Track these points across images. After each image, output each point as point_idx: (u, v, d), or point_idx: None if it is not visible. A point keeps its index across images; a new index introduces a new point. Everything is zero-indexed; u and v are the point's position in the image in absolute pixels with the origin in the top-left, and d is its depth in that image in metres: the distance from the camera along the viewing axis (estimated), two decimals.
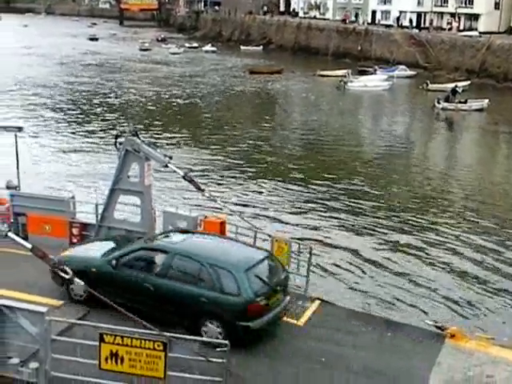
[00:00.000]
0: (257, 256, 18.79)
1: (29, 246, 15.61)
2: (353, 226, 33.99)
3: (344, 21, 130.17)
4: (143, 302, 17.45)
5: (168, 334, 14.82)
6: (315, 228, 33.15)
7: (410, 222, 34.79)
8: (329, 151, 52.09)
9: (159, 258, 18.62)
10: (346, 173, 44.55)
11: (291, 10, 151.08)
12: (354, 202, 37.94)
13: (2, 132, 28.19)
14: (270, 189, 40.15)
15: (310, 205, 37.20)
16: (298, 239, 25.93)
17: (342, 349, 18.01)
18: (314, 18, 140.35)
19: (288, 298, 18.98)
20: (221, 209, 25.52)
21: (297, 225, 33.49)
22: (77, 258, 19.33)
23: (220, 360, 14.70)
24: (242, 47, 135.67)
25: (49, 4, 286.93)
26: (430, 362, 17.59)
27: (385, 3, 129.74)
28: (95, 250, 19.51)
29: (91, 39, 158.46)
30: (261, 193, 39.33)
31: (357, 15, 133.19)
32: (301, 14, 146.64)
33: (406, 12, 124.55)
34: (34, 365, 15.51)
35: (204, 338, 15.07)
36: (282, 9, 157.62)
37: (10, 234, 15.57)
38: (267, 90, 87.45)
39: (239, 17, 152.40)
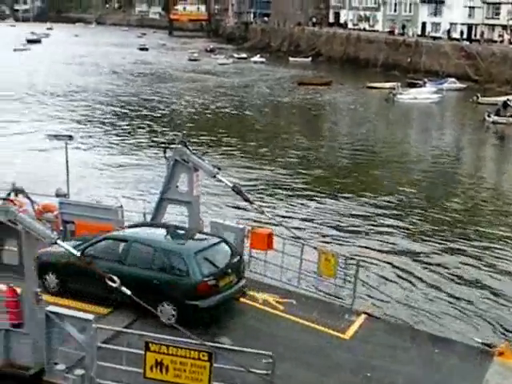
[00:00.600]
0: (208, 241, 20.14)
1: (77, 253, 15.73)
2: (401, 239, 33.71)
3: (391, 32, 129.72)
4: (109, 289, 16.97)
5: (213, 344, 14.80)
6: (363, 241, 32.93)
7: (460, 237, 34.38)
8: (377, 164, 51.83)
9: (119, 247, 19.78)
10: (394, 186, 44.21)
11: (342, 22, 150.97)
12: (401, 216, 37.65)
13: (52, 140, 28.50)
14: (317, 201, 40.00)
15: (357, 218, 36.99)
16: (346, 252, 25.83)
17: (387, 364, 17.84)
18: (364, 29, 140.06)
19: (244, 281, 20.09)
20: (270, 218, 25.51)
21: (344, 238, 33.31)
22: (50, 253, 19.51)
23: (264, 372, 14.66)
24: (291, 58, 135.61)
25: (99, 14, 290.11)
26: (478, 380, 17.34)
27: (435, 15, 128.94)
28: (69, 245, 19.49)
29: (141, 49, 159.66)
30: (308, 205, 39.19)
31: (404, 27, 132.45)
32: (350, 26, 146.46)
33: (456, 24, 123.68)
34: (79, 371, 15.63)
35: (249, 349, 15.00)
36: (331, 20, 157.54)
37: (58, 241, 15.69)
38: (316, 101, 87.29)
39: (288, 28, 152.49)
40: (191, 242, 20.38)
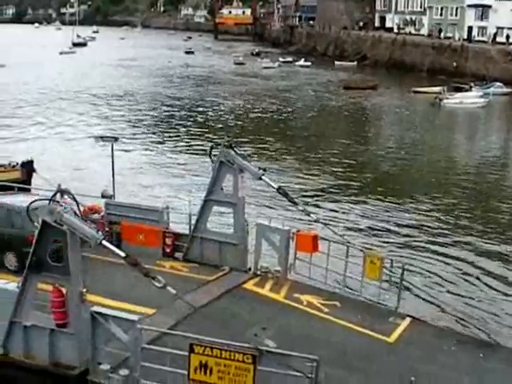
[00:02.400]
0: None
1: (122, 254, 15.77)
2: (447, 244, 33.35)
3: (430, 35, 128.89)
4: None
5: (258, 347, 14.72)
6: (409, 245, 32.66)
7: (511, 242, 33.91)
8: (423, 169, 51.37)
9: None
10: (440, 191, 43.76)
11: (388, 26, 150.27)
12: (447, 221, 37.25)
13: (99, 142, 28.69)
14: (362, 204, 39.76)
15: (402, 221, 36.68)
16: (391, 255, 25.63)
17: (432, 368, 17.63)
18: (409, 33, 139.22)
19: None
20: (316, 221, 25.40)
21: (390, 241, 33.05)
22: None
23: (310, 375, 14.55)
24: (336, 62, 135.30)
25: (145, 17, 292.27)
26: None
27: (482, 19, 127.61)
28: None
29: (187, 52, 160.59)
30: (354, 207, 38.98)
31: (440, 30, 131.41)
32: (396, 30, 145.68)
33: (503, 28, 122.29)
34: (124, 372, 15.67)
35: (293, 353, 14.90)
36: (376, 24, 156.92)
37: (104, 242, 15.74)
38: (361, 105, 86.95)
39: (334, 32, 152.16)
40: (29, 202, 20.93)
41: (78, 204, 16.55)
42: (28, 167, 35.25)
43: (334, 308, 20.64)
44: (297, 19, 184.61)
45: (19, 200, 23.72)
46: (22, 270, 18.96)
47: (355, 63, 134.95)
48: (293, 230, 23.42)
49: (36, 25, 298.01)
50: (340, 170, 48.98)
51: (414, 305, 24.43)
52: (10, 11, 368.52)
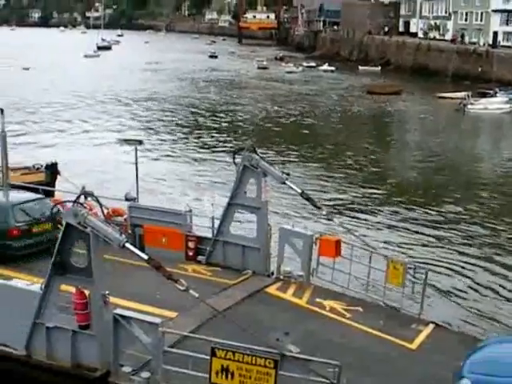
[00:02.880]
0: (27, 197, 25.48)
1: (145, 257, 15.78)
2: (471, 251, 33.14)
3: (453, 41, 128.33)
4: None
5: (280, 351, 14.68)
6: (432, 251, 32.48)
7: None
8: (447, 175, 51.05)
9: None
10: (465, 197, 43.53)
11: (412, 31, 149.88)
12: (473, 227, 37.03)
13: (123, 145, 28.77)
14: (386, 209, 39.63)
15: (426, 227, 36.50)
16: (414, 261, 25.51)
17: None
18: (434, 38, 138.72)
19: None
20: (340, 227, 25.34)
21: (413, 247, 32.90)
22: None
23: (332, 381, 14.49)
24: (360, 67, 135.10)
25: (169, 21, 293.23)
26: None
27: (507, 24, 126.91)
28: None
29: (211, 56, 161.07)
30: (377, 213, 38.86)
31: (462, 36, 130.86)
32: (420, 35, 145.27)
33: None
34: (145, 374, 15.69)
35: (315, 358, 14.86)
36: (401, 29, 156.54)
37: (127, 244, 15.75)
38: (385, 110, 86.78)
39: (358, 37, 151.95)
40: (14, 198, 25.12)
41: (101, 206, 16.58)
42: (52, 169, 35.40)
43: (356, 313, 20.54)
44: (321, 24, 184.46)
45: (2, 195, 25.56)
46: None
47: (379, 68, 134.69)
48: (316, 234, 23.39)
49: (61, 28, 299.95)
50: (363, 174, 48.92)
51: (438, 311, 24.24)
52: (36, 15, 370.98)
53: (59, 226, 21.68)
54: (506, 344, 16.85)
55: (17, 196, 25.68)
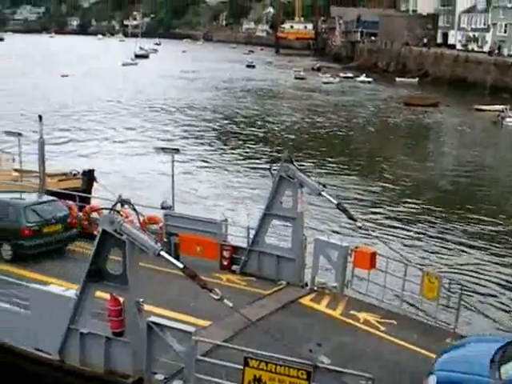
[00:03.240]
0: (40, 199, 26.80)
1: (180, 265, 15.80)
2: (508, 264, 32.84)
3: (491, 53, 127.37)
4: None
5: (312, 363, 14.61)
6: (468, 266, 32.20)
7: None
8: (483, 189, 50.66)
9: None
10: (501, 211, 43.09)
11: (450, 42, 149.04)
12: (510, 241, 36.68)
13: (160, 153, 28.87)
14: (422, 222, 39.38)
15: (463, 241, 36.20)
16: (450, 275, 25.30)
17: None
18: (472, 50, 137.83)
19: (73, 231, 26.54)
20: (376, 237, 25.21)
21: (449, 260, 32.66)
22: None
23: None
24: (397, 78, 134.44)
25: (207, 31, 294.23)
26: None
27: None
28: None
29: (248, 66, 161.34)
30: (413, 225, 38.62)
31: (500, 47, 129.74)
32: (458, 47, 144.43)
33: None
34: (178, 383, 15.77)
35: (348, 370, 14.76)
36: (439, 41, 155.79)
37: (162, 252, 15.79)
38: (422, 122, 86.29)
39: (395, 48, 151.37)
40: (27, 200, 26.43)
41: (137, 214, 16.64)
42: (89, 176, 35.62)
43: (390, 326, 20.40)
44: (358, 35, 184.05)
45: (15, 196, 26.90)
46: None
47: (416, 80, 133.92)
48: (351, 246, 23.30)
49: (99, 36, 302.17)
50: (400, 186, 48.68)
51: (473, 325, 24.09)
52: (75, 23, 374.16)
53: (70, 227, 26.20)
54: (481, 343, 16.78)
55: (29, 197, 27.15)
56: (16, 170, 35.05)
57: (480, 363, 14.95)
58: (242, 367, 14.84)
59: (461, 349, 16.70)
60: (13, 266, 24.08)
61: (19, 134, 31.31)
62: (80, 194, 31.00)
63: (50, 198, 27.37)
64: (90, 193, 34.12)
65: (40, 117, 28.51)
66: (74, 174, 35.76)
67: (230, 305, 15.60)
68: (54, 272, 23.20)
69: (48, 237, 25.50)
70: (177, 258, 19.55)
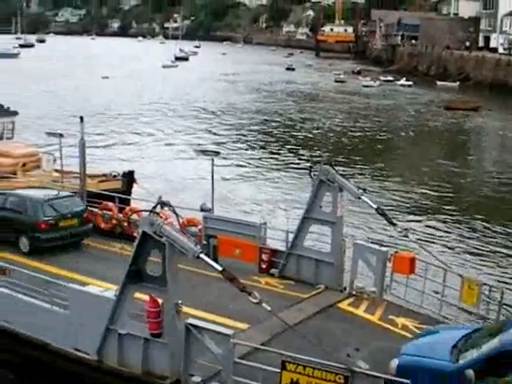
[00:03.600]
0: (58, 195, 27.43)
1: (219, 268, 15.82)
2: None
3: None
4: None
5: (350, 367, 14.53)
6: (509, 271, 31.89)
7: None
8: None
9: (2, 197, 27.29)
10: None
11: (492, 46, 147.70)
12: None
13: (200, 156, 28.93)
14: (462, 227, 39.08)
15: (505, 247, 35.80)
16: (490, 281, 25.04)
17: None
18: None
19: (89, 225, 27.60)
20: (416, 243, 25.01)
21: (489, 267, 32.36)
22: None
23: None
24: (438, 82, 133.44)
25: (247, 33, 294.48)
26: None
27: None
28: None
29: (288, 69, 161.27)
30: (453, 231, 38.34)
31: None
32: (500, 50, 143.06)
33: None
34: None
35: (386, 376, 14.67)
36: (480, 44, 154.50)
37: (201, 255, 15.82)
38: (462, 126, 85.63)
39: (436, 51, 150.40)
40: (44, 195, 27.36)
41: (177, 216, 16.69)
42: (129, 178, 35.77)
43: None
44: (399, 38, 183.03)
45: (33, 192, 28.16)
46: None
47: (457, 83, 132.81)
48: (390, 251, 23.16)
49: (139, 38, 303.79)
50: (439, 191, 48.30)
51: None
52: (116, 25, 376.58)
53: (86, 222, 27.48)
54: (450, 331, 17.11)
55: (47, 193, 28.12)
56: (57, 171, 35.33)
57: (442, 349, 15.57)
58: (279, 371, 14.81)
59: (429, 336, 17.07)
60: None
61: (60, 135, 31.61)
62: (120, 195, 31.17)
63: (68, 193, 28.61)
64: (129, 194, 34.31)
65: (81, 118, 28.72)
66: (114, 176, 35.93)
67: (269, 308, 15.60)
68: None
69: (64, 230, 26.58)
70: (215, 260, 19.61)
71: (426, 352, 15.75)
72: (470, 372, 14.24)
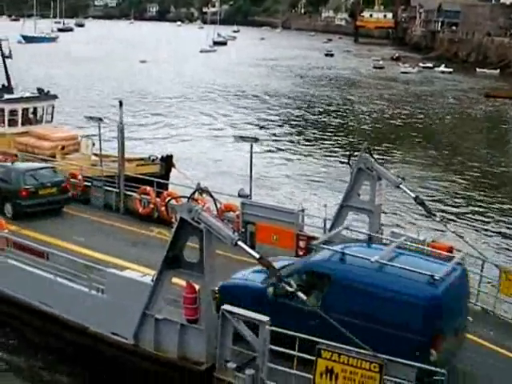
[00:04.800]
0: (38, 166, 30.67)
1: (256, 255, 15.80)
2: None
3: None
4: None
5: (384, 356, 14.49)
6: None
7: None
8: None
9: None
10: None
11: None
12: None
13: (239, 142, 28.91)
14: (502, 218, 38.74)
15: None
16: None
17: None
18: None
19: (68, 194, 30.18)
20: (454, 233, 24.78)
21: None
22: None
23: None
24: (478, 69, 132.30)
25: (285, 19, 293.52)
26: None
27: None
28: None
29: (326, 54, 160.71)
30: (492, 221, 38.04)
31: None
32: None
33: None
34: (250, 371, 15.74)
35: (421, 365, 14.59)
36: None
37: (239, 242, 15.81)
38: (503, 114, 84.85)
39: (477, 38, 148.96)
40: (26, 166, 30.39)
41: (215, 203, 16.72)
42: (167, 162, 35.84)
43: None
44: (439, 24, 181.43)
45: (18, 164, 31.07)
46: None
47: (498, 71, 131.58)
48: (428, 240, 22.99)
49: (178, 23, 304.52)
50: (479, 181, 47.94)
51: None
52: (154, 9, 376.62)
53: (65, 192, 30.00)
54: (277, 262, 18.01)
55: (29, 165, 31.25)
56: (95, 155, 35.54)
57: (260, 274, 17.97)
58: (314, 358, 14.81)
59: (256, 268, 18.31)
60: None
61: (100, 119, 31.77)
62: (158, 179, 31.27)
63: (49, 165, 31.80)
64: (167, 178, 34.35)
65: (120, 102, 28.82)
66: (153, 160, 36.02)
67: (304, 297, 15.56)
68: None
69: (43, 198, 29.22)
70: (253, 246, 19.62)
71: (246, 277, 18.60)
72: (269, 290, 17.09)
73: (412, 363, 14.50)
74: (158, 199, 28.86)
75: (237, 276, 18.84)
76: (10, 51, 42.35)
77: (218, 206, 17.78)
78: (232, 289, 18.03)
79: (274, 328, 15.64)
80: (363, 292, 16.08)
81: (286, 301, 16.69)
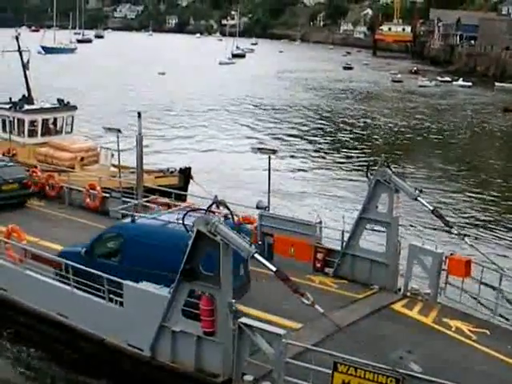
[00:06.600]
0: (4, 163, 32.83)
1: (273, 268, 15.80)
2: None
3: None
4: None
5: (402, 371, 14.44)
6: None
7: None
8: None
9: None
10: None
11: None
12: None
13: (256, 153, 28.93)
14: None
15: None
16: None
17: None
18: None
19: (30, 190, 32.77)
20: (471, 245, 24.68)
21: None
22: None
23: None
24: (497, 83, 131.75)
25: (304, 31, 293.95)
26: None
27: None
28: None
29: (345, 68, 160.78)
30: (510, 235, 37.83)
31: None
32: None
33: None
34: None
35: (438, 380, 14.50)
36: None
37: (256, 255, 15.83)
38: None
39: (495, 52, 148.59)
40: None
41: (233, 216, 16.74)
42: (185, 174, 35.94)
43: (483, 336, 19.99)
44: (457, 38, 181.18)
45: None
46: None
47: None
48: (446, 253, 22.94)
49: (197, 35, 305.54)
50: (497, 195, 47.80)
51: None
52: (173, 21, 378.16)
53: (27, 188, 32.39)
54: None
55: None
56: (114, 166, 35.67)
57: (84, 244, 21.77)
58: (330, 372, 14.78)
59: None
60: None
61: (119, 131, 31.90)
62: (176, 191, 31.33)
63: (11, 163, 33.96)
64: (186, 190, 34.44)
65: (139, 114, 28.87)
66: (171, 172, 36.13)
67: (321, 311, 15.54)
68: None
69: (5, 193, 31.57)
70: (270, 257, 19.58)
71: (75, 245, 22.53)
72: (82, 251, 21.38)
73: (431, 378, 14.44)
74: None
75: (71, 246, 23.10)
76: (28, 62, 42.58)
77: (236, 218, 17.74)
78: (65, 253, 22.16)
79: (292, 341, 15.65)
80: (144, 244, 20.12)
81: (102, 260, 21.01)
